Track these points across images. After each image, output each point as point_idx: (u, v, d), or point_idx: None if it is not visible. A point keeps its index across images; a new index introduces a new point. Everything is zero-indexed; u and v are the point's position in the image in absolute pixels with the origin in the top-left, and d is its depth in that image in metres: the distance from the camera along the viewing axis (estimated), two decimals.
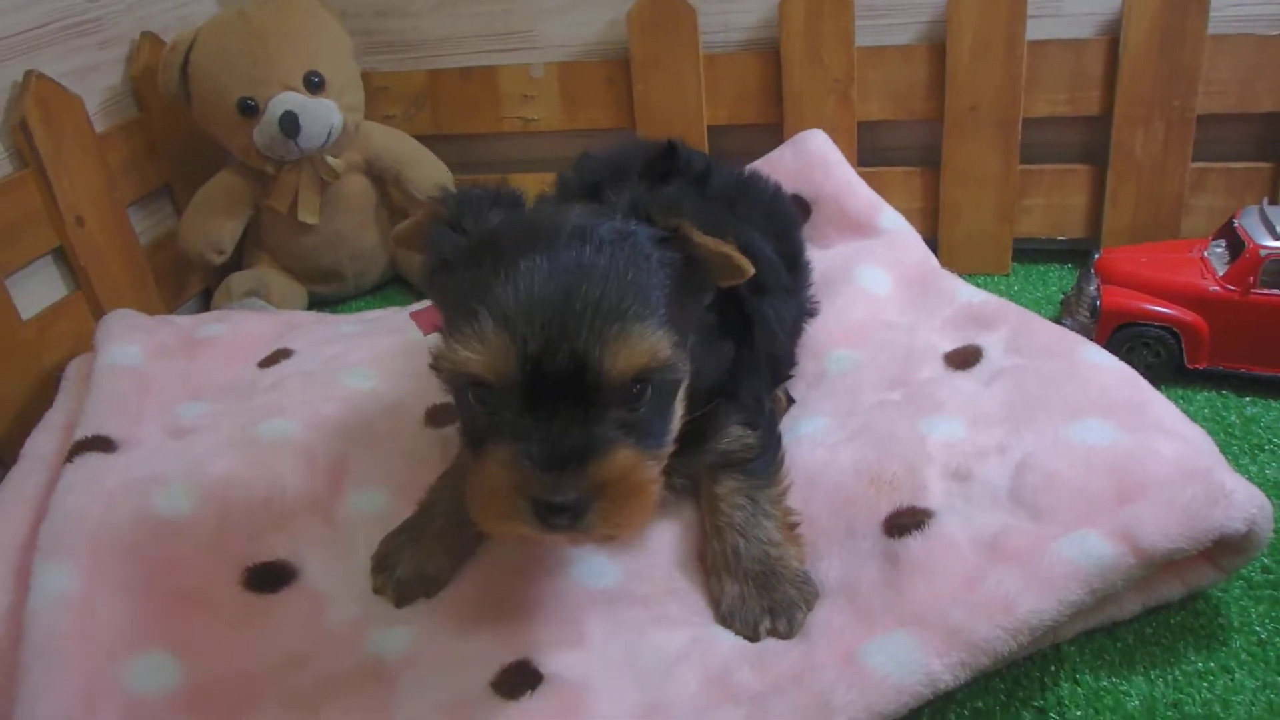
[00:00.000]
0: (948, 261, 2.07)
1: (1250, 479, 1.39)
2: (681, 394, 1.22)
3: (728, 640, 1.25)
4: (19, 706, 1.14)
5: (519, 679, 1.21)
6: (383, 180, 2.28)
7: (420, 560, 1.36)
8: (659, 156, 1.62)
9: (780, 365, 1.63)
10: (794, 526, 1.36)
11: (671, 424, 1.21)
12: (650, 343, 1.11)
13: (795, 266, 1.70)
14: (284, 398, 1.65)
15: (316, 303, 2.31)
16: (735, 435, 1.40)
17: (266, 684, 1.22)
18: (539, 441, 1.09)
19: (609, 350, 1.09)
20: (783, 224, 1.71)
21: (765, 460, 1.42)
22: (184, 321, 1.95)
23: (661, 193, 1.27)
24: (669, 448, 1.21)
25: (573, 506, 1.08)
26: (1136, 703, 1.18)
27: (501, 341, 1.08)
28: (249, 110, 2.06)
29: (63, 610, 1.23)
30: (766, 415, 1.47)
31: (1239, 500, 1.19)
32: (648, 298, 1.12)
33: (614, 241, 1.14)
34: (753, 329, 1.46)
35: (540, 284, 1.10)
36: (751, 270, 1.19)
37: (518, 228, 1.18)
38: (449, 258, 1.19)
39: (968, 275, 2.01)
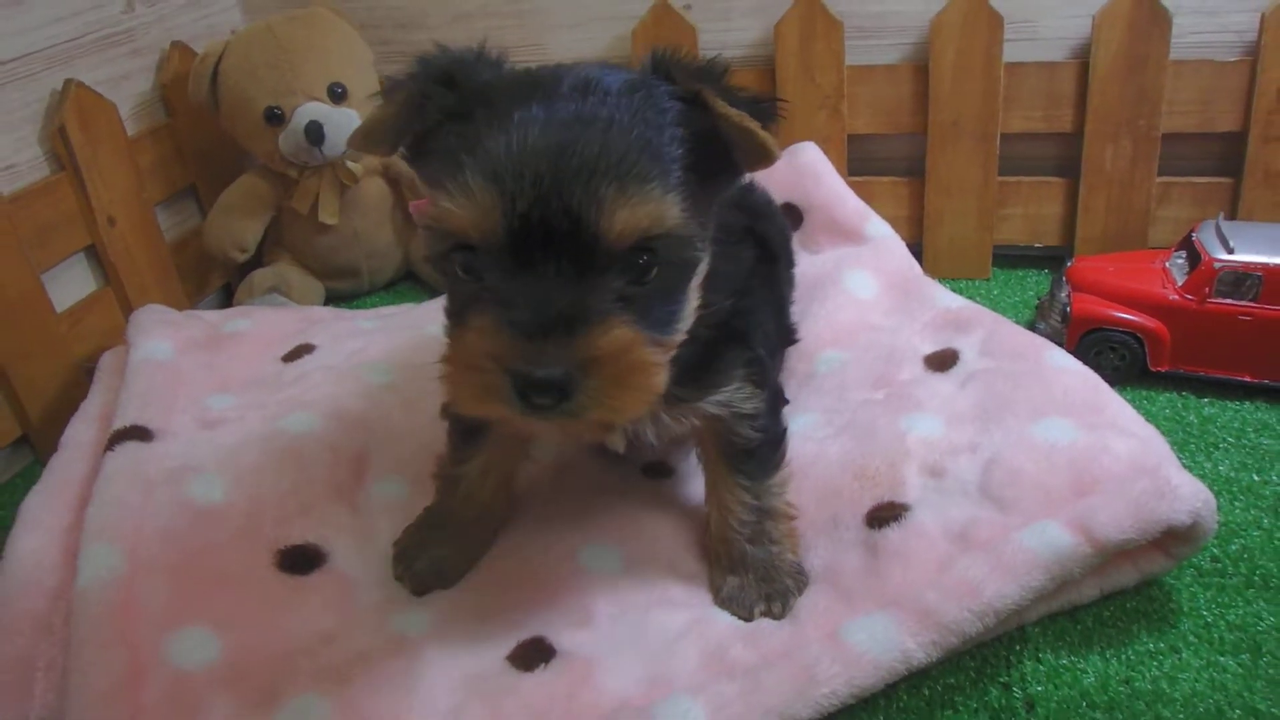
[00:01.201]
0: (932, 266, 2.16)
1: (1205, 475, 1.50)
2: (696, 281, 1.12)
3: (724, 620, 1.31)
4: (72, 678, 1.18)
5: (533, 653, 1.26)
6: (398, 183, 2.33)
7: (438, 557, 1.39)
8: None
9: (786, 326, 1.64)
10: (792, 519, 1.39)
11: (682, 310, 1.10)
12: (655, 205, 1.00)
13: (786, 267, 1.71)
14: (307, 392, 1.70)
15: (333, 298, 2.36)
16: (740, 387, 1.28)
17: (300, 658, 1.26)
18: (524, 307, 0.98)
19: (607, 207, 0.98)
20: (778, 233, 1.71)
21: (770, 456, 1.36)
22: (210, 316, 1.99)
23: (690, 59, 1.10)
24: (677, 337, 1.11)
25: (558, 382, 0.97)
26: (1092, 679, 1.25)
27: (487, 196, 0.98)
28: (275, 119, 2.13)
29: (110, 589, 1.27)
30: (774, 389, 1.40)
31: (1185, 494, 1.25)
32: (658, 155, 1.01)
33: (623, 93, 1.04)
34: (772, 263, 1.47)
35: (535, 136, 0.99)
36: (778, 154, 1.05)
37: (514, 80, 1.08)
38: (439, 115, 1.08)
39: (950, 279, 2.10)
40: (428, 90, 1.08)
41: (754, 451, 1.34)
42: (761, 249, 1.41)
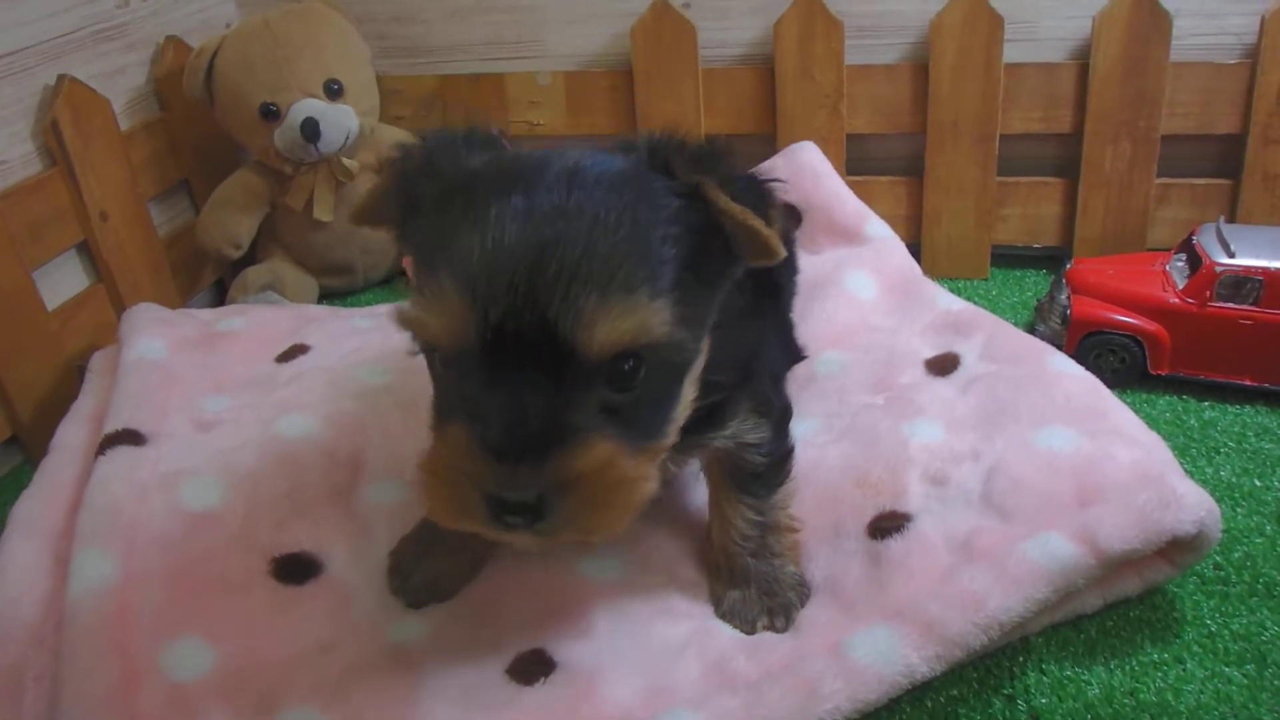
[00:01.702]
0: (930, 265, 2.16)
1: (1206, 480, 1.50)
2: (692, 376, 1.06)
3: (726, 631, 1.30)
4: (64, 688, 1.16)
5: (533, 666, 1.24)
6: None
7: (434, 571, 1.36)
8: None
9: (793, 347, 1.63)
10: (795, 533, 1.38)
11: (672, 413, 1.05)
12: (640, 315, 0.93)
13: (789, 270, 1.69)
14: (303, 393, 1.67)
15: (327, 295, 2.36)
16: (744, 419, 1.25)
17: (297, 669, 1.24)
18: (497, 425, 0.92)
19: (586, 319, 0.91)
20: (784, 233, 1.73)
21: (776, 475, 1.33)
22: (204, 315, 1.97)
23: (693, 143, 1.04)
24: (667, 440, 1.05)
25: (531, 505, 0.93)
26: (1096, 690, 1.24)
27: (459, 304, 0.92)
28: (270, 115, 2.11)
29: (103, 597, 1.26)
30: (780, 411, 1.35)
31: (1189, 504, 1.24)
32: (646, 258, 0.95)
33: (613, 187, 0.97)
34: (777, 298, 1.47)
35: (511, 235, 0.93)
36: (783, 253, 1.01)
37: (498, 168, 1.01)
38: (420, 205, 1.03)
39: (949, 279, 2.11)
40: (406, 180, 1.05)
41: (760, 474, 1.31)
42: (766, 283, 1.36)
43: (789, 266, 1.67)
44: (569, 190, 0.95)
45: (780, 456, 1.34)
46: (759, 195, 1.04)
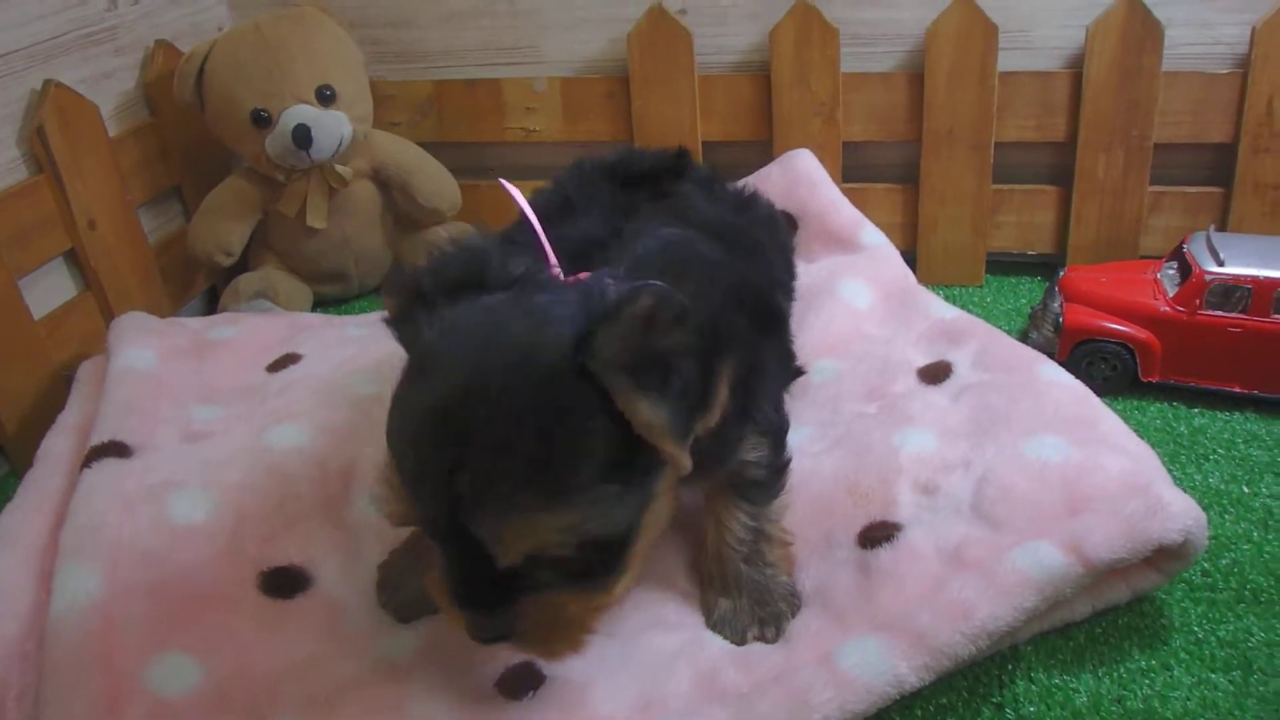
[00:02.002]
0: (926, 273, 2.17)
1: (1195, 487, 1.51)
2: (643, 527, 1.08)
3: (717, 643, 1.29)
4: (47, 707, 1.16)
5: (522, 679, 1.23)
6: (388, 186, 2.30)
7: (422, 587, 1.28)
8: (672, 155, 1.60)
9: (791, 364, 1.61)
10: (788, 545, 1.38)
11: (623, 563, 1.08)
12: (542, 536, 0.97)
13: (790, 277, 1.73)
14: (294, 403, 1.67)
15: (321, 302, 2.35)
16: (751, 446, 1.29)
17: (285, 685, 1.24)
18: (455, 584, 1.02)
19: (494, 540, 0.97)
20: (783, 239, 1.75)
21: (773, 484, 1.35)
22: (194, 324, 1.97)
23: (644, 286, 1.01)
24: (620, 585, 1.10)
25: (497, 637, 1.06)
26: (1085, 698, 1.24)
27: (407, 498, 1.00)
28: (262, 121, 2.10)
29: (87, 613, 1.25)
30: (779, 427, 1.37)
31: (1176, 513, 1.25)
32: (554, 467, 0.95)
33: (534, 386, 0.96)
34: (778, 327, 1.47)
35: (430, 434, 0.97)
36: (687, 467, 0.99)
37: (442, 341, 1.02)
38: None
39: (944, 286, 2.12)
40: (397, 331, 1.09)
41: (760, 482, 1.33)
42: (764, 314, 1.37)
43: (789, 278, 1.69)
44: (485, 402, 0.95)
45: (779, 469, 1.36)
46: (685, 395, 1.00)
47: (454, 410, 0.96)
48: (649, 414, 0.95)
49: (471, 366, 0.97)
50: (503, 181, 1.27)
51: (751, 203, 1.74)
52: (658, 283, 1.03)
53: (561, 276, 1.13)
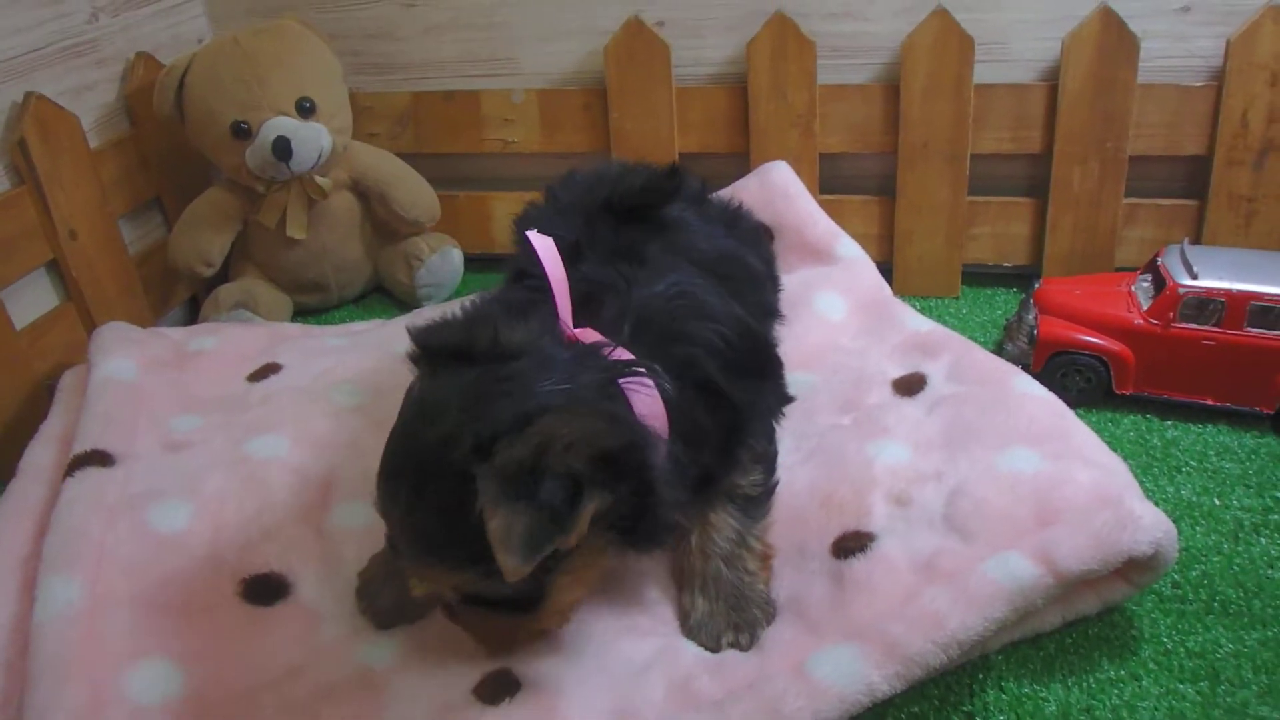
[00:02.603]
0: (902, 284, 2.18)
1: (1168, 499, 1.51)
2: (548, 590, 1.18)
3: (691, 650, 1.30)
4: (30, 713, 1.17)
5: (499, 686, 1.24)
6: (368, 197, 2.31)
7: (401, 593, 1.32)
8: (664, 174, 1.56)
9: (783, 392, 1.59)
10: (768, 558, 1.40)
11: (538, 611, 1.20)
12: (446, 584, 1.17)
13: (776, 291, 1.74)
14: (273, 414, 1.67)
15: (301, 312, 2.35)
16: (745, 471, 1.38)
17: (265, 692, 1.25)
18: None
19: (408, 574, 1.18)
20: (768, 254, 1.77)
21: (762, 502, 1.41)
22: (175, 334, 1.97)
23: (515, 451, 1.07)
24: (551, 619, 1.23)
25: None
26: (1054, 708, 1.26)
27: None
28: (242, 133, 2.11)
29: (69, 622, 1.26)
30: (771, 458, 1.45)
31: (1146, 525, 1.26)
32: (456, 537, 1.07)
33: (442, 471, 1.08)
34: (775, 371, 1.49)
35: (380, 486, 1.15)
36: (514, 571, 1.03)
37: (407, 410, 1.18)
38: None
39: (919, 297, 2.13)
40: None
41: (752, 498, 1.39)
42: (756, 365, 1.41)
43: (775, 296, 1.72)
44: (404, 483, 1.11)
45: (768, 490, 1.42)
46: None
47: (391, 475, 1.14)
48: (496, 524, 1.02)
49: (405, 447, 1.14)
50: (529, 235, 1.33)
51: (738, 217, 1.75)
52: (640, 370, 1.18)
53: (567, 332, 1.23)
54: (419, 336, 1.20)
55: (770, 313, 1.60)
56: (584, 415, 1.09)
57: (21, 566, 1.40)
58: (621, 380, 1.16)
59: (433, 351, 1.18)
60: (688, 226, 1.54)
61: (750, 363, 1.36)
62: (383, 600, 1.37)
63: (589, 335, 1.22)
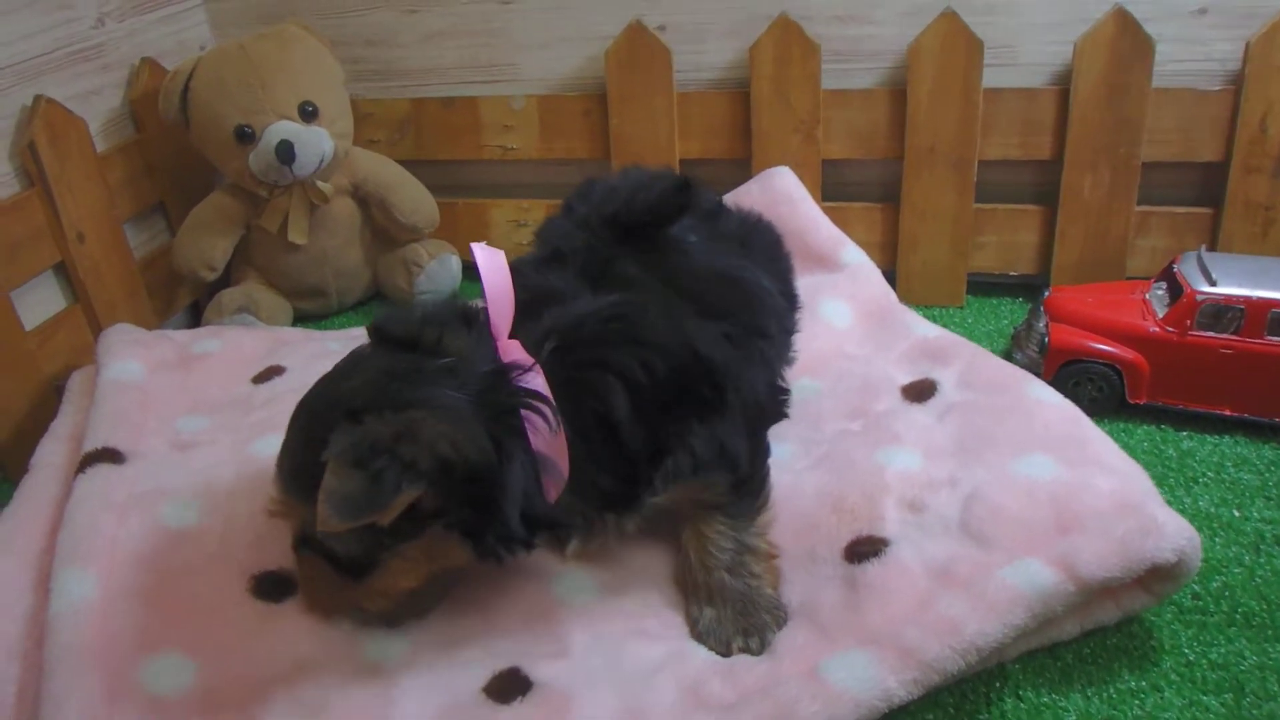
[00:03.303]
0: (905, 292, 2.16)
1: (1184, 510, 1.49)
2: (381, 565, 1.24)
3: (701, 654, 1.30)
4: (46, 704, 1.18)
5: (510, 685, 1.24)
6: (368, 203, 2.31)
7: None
8: (674, 190, 1.51)
9: (772, 408, 1.55)
10: (773, 558, 1.39)
11: (368, 581, 1.26)
12: (297, 519, 1.27)
13: (793, 309, 1.68)
14: (279, 415, 1.53)
15: (301, 318, 2.35)
16: (706, 484, 1.36)
17: (275, 686, 1.25)
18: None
19: (276, 501, 1.25)
20: (784, 269, 1.71)
21: (748, 502, 1.39)
22: (180, 336, 1.98)
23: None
24: (375, 598, 1.28)
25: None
26: (1074, 717, 1.24)
27: None
28: (245, 137, 2.11)
29: (84, 615, 1.27)
30: (749, 473, 1.40)
31: (1170, 533, 1.24)
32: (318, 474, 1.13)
33: (319, 430, 1.16)
34: (718, 407, 1.38)
35: (290, 419, 1.26)
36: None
37: (339, 368, 1.29)
38: None
39: (924, 306, 2.10)
40: None
41: (726, 506, 1.38)
42: (709, 395, 1.35)
43: (790, 312, 1.68)
44: (300, 427, 1.24)
45: (750, 490, 1.41)
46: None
47: (296, 411, 1.27)
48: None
49: (315, 392, 1.27)
50: (475, 247, 1.36)
51: (754, 231, 1.70)
52: (537, 407, 1.20)
53: (496, 339, 1.27)
54: (381, 319, 1.29)
55: (765, 333, 1.52)
56: (454, 423, 1.15)
57: (36, 560, 1.41)
58: (523, 410, 1.19)
59: (384, 335, 1.27)
60: (682, 246, 1.51)
61: (683, 394, 1.31)
62: None
63: (512, 351, 1.24)
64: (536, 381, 1.21)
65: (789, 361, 1.66)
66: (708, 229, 1.58)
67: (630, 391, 1.25)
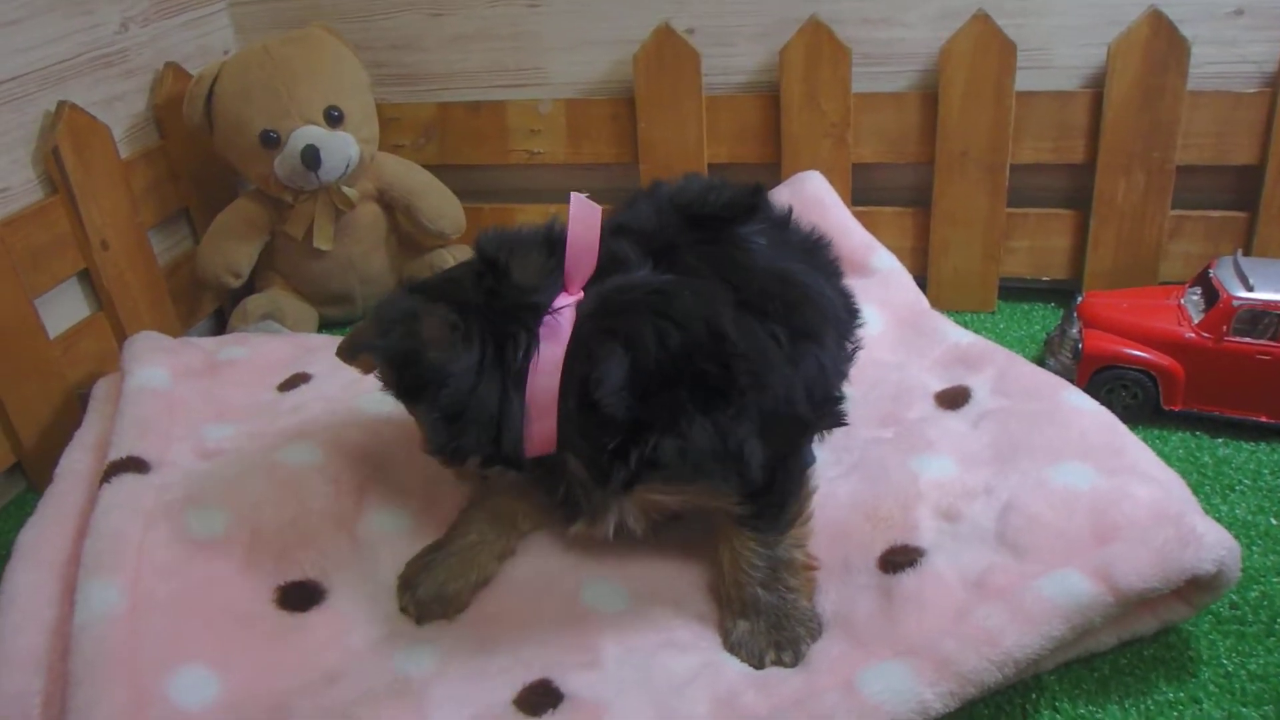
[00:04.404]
0: (936, 298, 2.12)
1: (1221, 518, 1.46)
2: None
3: (735, 665, 1.29)
4: (71, 715, 1.17)
5: (541, 697, 1.24)
6: (393, 208, 2.31)
7: (440, 581, 1.39)
8: (748, 192, 1.52)
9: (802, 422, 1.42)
10: (811, 569, 1.37)
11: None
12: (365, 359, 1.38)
13: (854, 323, 1.63)
14: (306, 422, 1.67)
15: (327, 324, 2.35)
16: (704, 485, 1.29)
17: (301, 698, 1.25)
18: None
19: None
20: (844, 286, 1.66)
21: (774, 518, 1.33)
22: (206, 343, 1.98)
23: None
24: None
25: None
26: None
27: None
28: (270, 142, 2.10)
29: (109, 625, 1.26)
30: (772, 470, 1.31)
31: (1209, 543, 1.23)
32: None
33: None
34: (724, 392, 1.31)
35: None
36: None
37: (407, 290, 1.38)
38: None
39: (955, 312, 2.09)
40: None
41: (753, 519, 1.33)
42: (716, 378, 1.26)
43: (849, 325, 1.64)
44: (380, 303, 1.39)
45: (776, 501, 1.34)
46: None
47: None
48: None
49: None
50: (573, 195, 1.35)
51: (818, 248, 1.66)
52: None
53: (567, 285, 1.31)
54: (480, 236, 1.36)
55: (818, 339, 1.45)
56: (454, 330, 1.26)
57: (62, 570, 1.39)
58: (533, 348, 1.25)
59: (478, 250, 1.35)
60: (748, 244, 1.48)
61: (687, 370, 1.24)
62: (422, 590, 1.39)
63: (564, 300, 1.28)
64: (558, 326, 1.25)
65: (844, 375, 1.60)
66: (777, 236, 1.56)
67: (634, 358, 1.22)
